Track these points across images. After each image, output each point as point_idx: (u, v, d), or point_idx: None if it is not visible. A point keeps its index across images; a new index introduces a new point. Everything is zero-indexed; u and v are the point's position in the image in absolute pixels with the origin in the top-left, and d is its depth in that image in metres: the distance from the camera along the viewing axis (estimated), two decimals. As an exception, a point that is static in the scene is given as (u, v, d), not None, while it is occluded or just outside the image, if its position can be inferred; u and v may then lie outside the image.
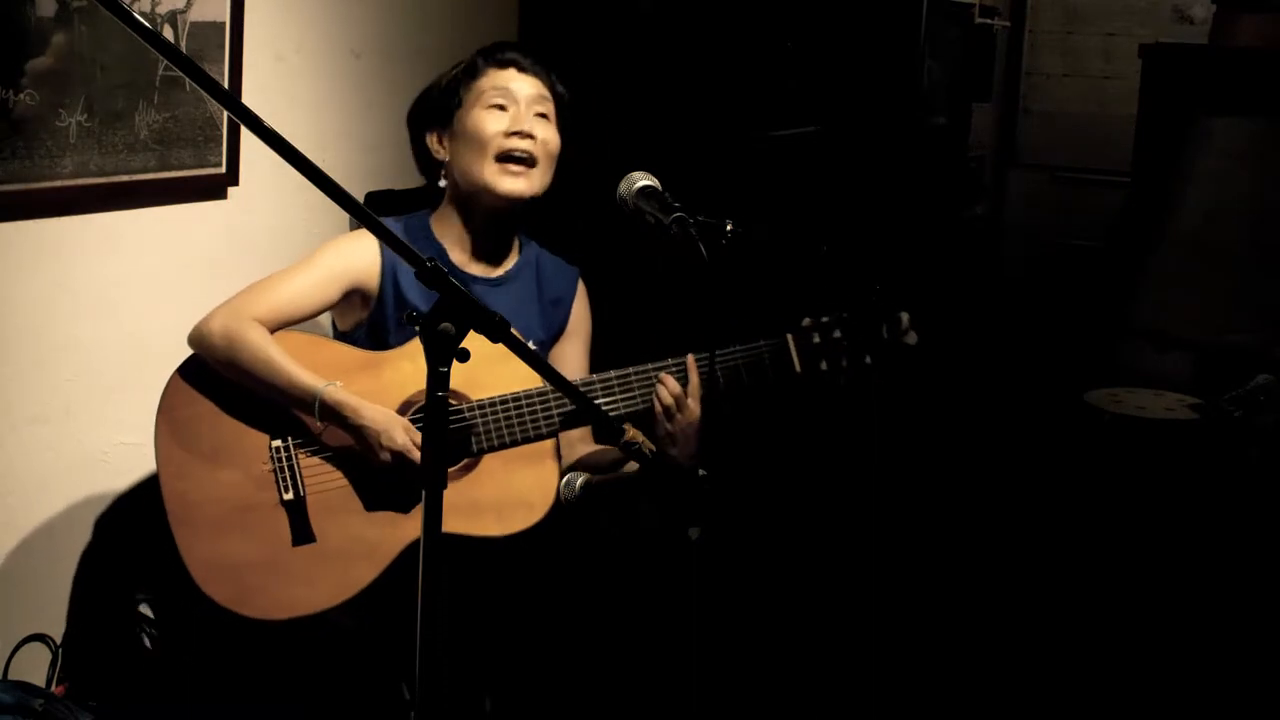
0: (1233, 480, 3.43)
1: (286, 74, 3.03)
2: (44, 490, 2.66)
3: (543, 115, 2.39)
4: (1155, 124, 4.55)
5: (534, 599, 2.39)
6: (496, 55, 2.42)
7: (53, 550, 2.69)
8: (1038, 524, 3.59)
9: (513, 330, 1.56)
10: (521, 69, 2.40)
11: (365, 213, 1.52)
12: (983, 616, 3.32)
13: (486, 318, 1.52)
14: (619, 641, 2.43)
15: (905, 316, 2.29)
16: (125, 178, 2.66)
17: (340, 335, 2.46)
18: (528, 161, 2.36)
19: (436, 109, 2.44)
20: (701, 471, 1.89)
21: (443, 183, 2.44)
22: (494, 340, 1.54)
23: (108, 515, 2.78)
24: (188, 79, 1.84)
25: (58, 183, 2.53)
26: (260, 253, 3.03)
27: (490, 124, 2.35)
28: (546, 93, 2.41)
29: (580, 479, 2.29)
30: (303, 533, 2.24)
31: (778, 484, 3.35)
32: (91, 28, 2.52)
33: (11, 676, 2.57)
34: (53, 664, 2.66)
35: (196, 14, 2.72)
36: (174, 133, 2.73)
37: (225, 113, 2.76)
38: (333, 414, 2.23)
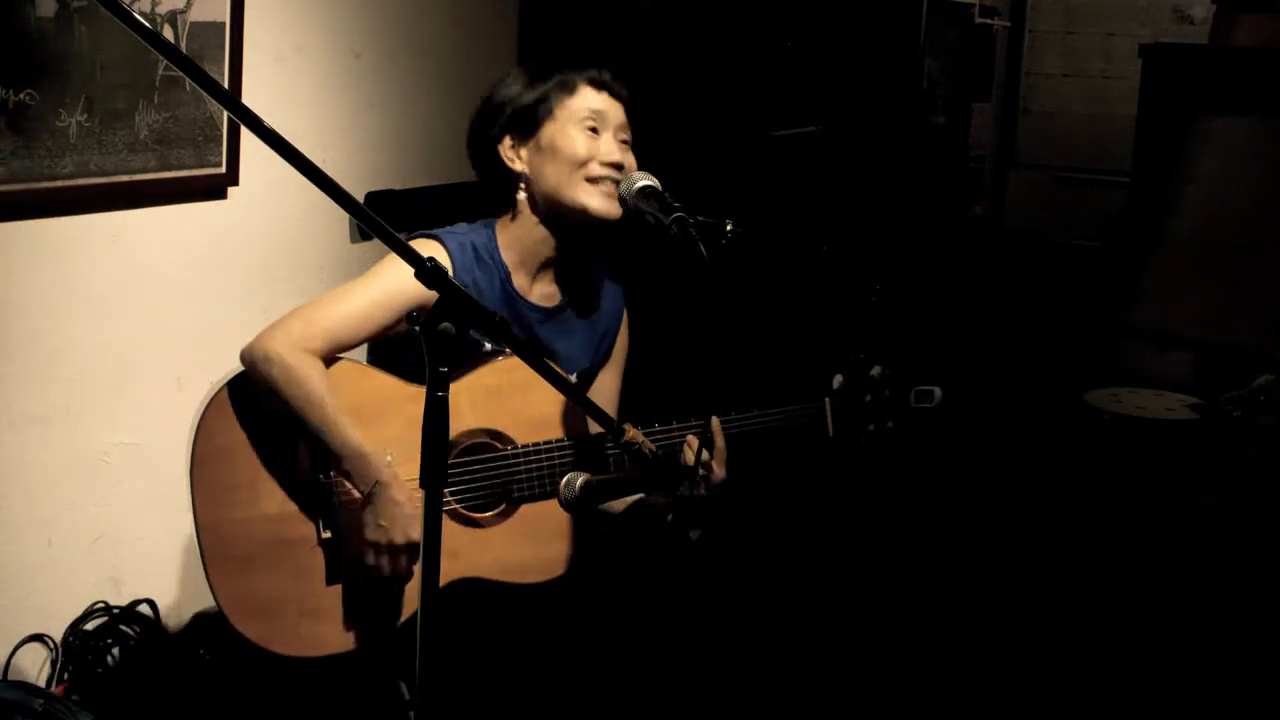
0: (1233, 480, 3.43)
1: (286, 74, 3.03)
2: (44, 490, 2.66)
3: (625, 142, 2.38)
4: (1155, 124, 4.55)
5: (534, 599, 2.38)
6: (591, 75, 2.36)
7: (53, 550, 2.69)
8: (1038, 524, 3.59)
9: (514, 331, 1.55)
10: (614, 95, 2.37)
11: (365, 213, 1.51)
12: (983, 616, 3.32)
13: (486, 317, 1.52)
14: (619, 641, 2.43)
15: (938, 392, 2.33)
16: (125, 178, 2.66)
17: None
18: (617, 185, 2.34)
19: (518, 118, 2.36)
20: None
21: (521, 195, 2.36)
22: (494, 340, 1.54)
23: (108, 515, 2.78)
24: (188, 79, 1.84)
25: (58, 183, 2.53)
26: (260, 253, 3.03)
27: (586, 145, 2.32)
28: (627, 119, 2.40)
29: (580, 479, 2.28)
30: (338, 572, 2.20)
31: (777, 484, 3.35)
32: (91, 28, 2.52)
33: (11, 676, 2.57)
34: (53, 664, 2.66)
35: (196, 14, 2.72)
36: (174, 133, 2.74)
37: (225, 113, 2.76)
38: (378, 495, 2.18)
